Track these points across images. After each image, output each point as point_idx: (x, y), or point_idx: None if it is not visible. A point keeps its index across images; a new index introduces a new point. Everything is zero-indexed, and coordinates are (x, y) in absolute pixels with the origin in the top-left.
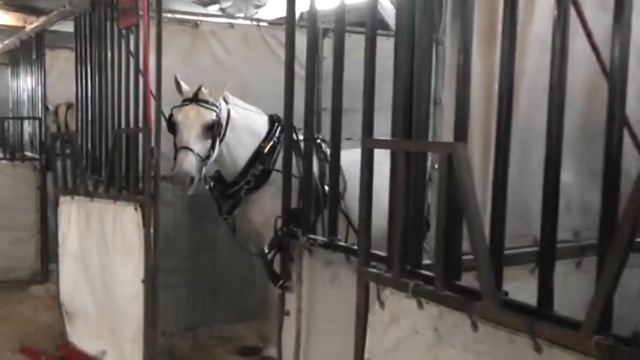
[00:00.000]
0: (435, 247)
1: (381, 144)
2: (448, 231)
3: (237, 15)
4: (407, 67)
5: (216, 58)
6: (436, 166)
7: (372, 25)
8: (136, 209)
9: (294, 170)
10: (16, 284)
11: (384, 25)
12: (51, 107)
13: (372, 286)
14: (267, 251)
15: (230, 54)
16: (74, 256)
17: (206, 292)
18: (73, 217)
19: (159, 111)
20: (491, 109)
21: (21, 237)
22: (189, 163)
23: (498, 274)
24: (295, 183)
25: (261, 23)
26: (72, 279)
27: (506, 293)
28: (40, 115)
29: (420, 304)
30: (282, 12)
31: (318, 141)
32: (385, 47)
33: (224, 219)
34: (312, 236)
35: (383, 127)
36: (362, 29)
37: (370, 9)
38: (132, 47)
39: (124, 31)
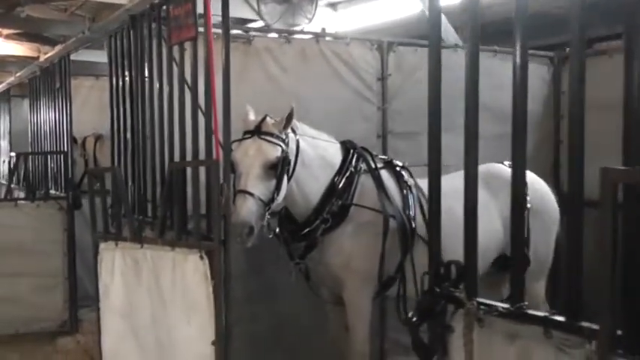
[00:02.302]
0: None
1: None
2: None
3: (295, 28)
4: None
5: (271, 77)
6: None
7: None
8: (201, 257)
9: (378, 205)
10: (42, 336)
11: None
12: (78, 140)
13: None
14: (413, 318)
15: (286, 72)
16: (119, 313)
17: (267, 343)
18: (118, 266)
19: (228, 141)
20: None
21: (46, 283)
22: (247, 210)
23: None
24: (386, 222)
25: (320, 38)
26: (117, 338)
27: None
28: (65, 149)
29: None
30: (340, 25)
31: (397, 169)
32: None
33: (296, 264)
34: (483, 301)
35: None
36: (426, 42)
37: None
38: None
39: (175, 48)
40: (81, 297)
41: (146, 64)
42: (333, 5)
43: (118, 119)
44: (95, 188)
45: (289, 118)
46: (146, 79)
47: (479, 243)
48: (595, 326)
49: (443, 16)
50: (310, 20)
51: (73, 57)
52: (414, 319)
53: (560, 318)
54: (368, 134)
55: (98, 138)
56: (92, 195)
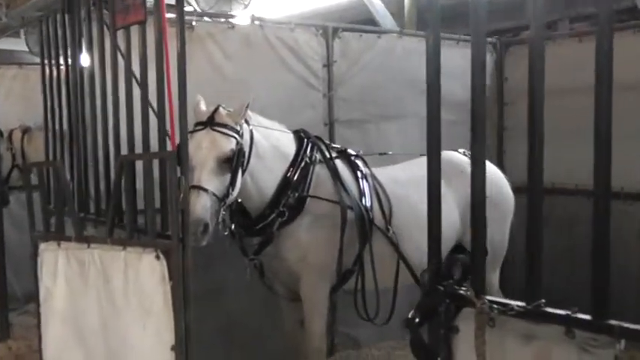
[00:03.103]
0: None
1: None
2: None
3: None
4: None
5: (214, 64)
6: None
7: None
8: (157, 257)
9: (335, 196)
10: None
11: (374, 23)
12: (4, 133)
13: None
14: (415, 319)
15: (230, 59)
16: (63, 318)
17: (217, 343)
18: (61, 268)
19: (185, 131)
20: None
21: None
22: (201, 207)
23: None
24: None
25: (264, 24)
26: (61, 345)
27: None
28: None
29: None
30: (285, 10)
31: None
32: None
33: (250, 260)
34: (495, 299)
35: (406, 136)
36: (376, 28)
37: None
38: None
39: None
40: (9, 299)
41: (85, 51)
42: None
43: (52, 110)
44: (33, 184)
45: (243, 108)
46: (85, 68)
47: None
48: (628, 324)
49: (380, 1)
50: (246, 6)
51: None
52: (416, 319)
53: (585, 316)
54: (314, 122)
55: (26, 131)
56: (29, 191)
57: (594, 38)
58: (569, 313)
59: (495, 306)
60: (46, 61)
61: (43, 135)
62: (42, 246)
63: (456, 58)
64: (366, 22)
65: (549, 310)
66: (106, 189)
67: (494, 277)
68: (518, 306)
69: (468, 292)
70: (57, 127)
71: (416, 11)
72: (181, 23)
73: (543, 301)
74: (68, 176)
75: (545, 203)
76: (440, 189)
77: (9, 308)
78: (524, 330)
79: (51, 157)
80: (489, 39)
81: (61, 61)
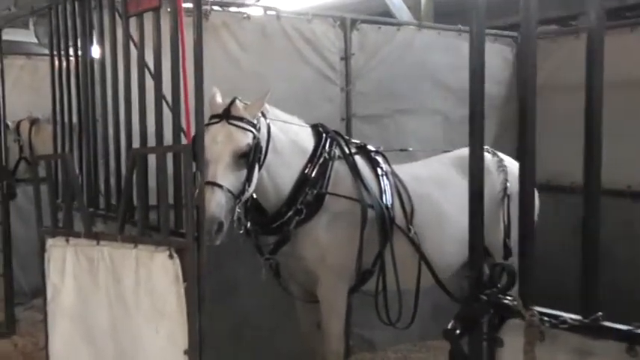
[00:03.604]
0: None
1: None
2: None
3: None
4: None
5: (229, 55)
6: None
7: None
8: (171, 256)
9: (354, 193)
10: None
11: (390, 16)
12: (11, 124)
13: None
14: (455, 330)
15: (245, 50)
16: (71, 316)
17: (228, 343)
18: (69, 265)
19: (201, 124)
20: None
21: None
22: (216, 204)
23: None
24: (364, 212)
25: (281, 14)
26: (68, 343)
27: None
28: None
29: None
30: (297, 2)
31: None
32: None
33: (266, 259)
34: (545, 310)
35: (425, 132)
36: (395, 20)
37: None
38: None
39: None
40: (15, 294)
41: (96, 40)
42: None
43: (61, 101)
44: (41, 177)
45: (261, 101)
46: (97, 57)
47: (460, 232)
48: None
49: None
50: None
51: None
52: (456, 330)
53: None
54: (331, 117)
55: (34, 122)
56: (37, 185)
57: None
58: (631, 328)
59: (546, 318)
60: (54, 51)
61: (51, 127)
62: (49, 242)
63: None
64: (382, 16)
65: (608, 324)
66: (117, 184)
67: None
68: (572, 319)
69: (515, 302)
70: (66, 118)
71: (433, 4)
72: (198, 10)
73: (601, 314)
74: (77, 170)
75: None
76: (483, 192)
77: (15, 303)
78: (578, 345)
79: (59, 150)
80: (510, 32)
81: (71, 50)
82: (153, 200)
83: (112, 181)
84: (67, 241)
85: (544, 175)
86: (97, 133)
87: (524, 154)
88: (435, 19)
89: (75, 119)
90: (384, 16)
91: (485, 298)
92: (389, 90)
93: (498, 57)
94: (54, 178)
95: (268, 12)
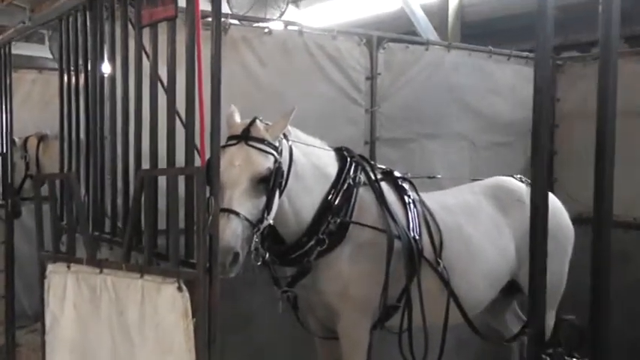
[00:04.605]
0: None
1: None
2: None
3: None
4: None
5: (248, 71)
6: None
7: None
8: (180, 289)
9: (380, 223)
10: None
11: (415, 36)
12: (18, 140)
13: None
14: None
15: (265, 66)
16: (70, 348)
17: None
18: (70, 294)
19: (217, 146)
20: None
21: None
22: (232, 233)
23: None
24: (390, 243)
25: (304, 30)
26: None
27: None
28: (4, 150)
29: None
30: (321, 20)
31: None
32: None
33: (283, 292)
34: None
35: (451, 158)
36: (423, 39)
37: None
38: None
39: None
40: (17, 316)
41: (106, 52)
42: (295, 1)
43: (69, 117)
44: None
45: (284, 121)
46: (107, 69)
47: (491, 266)
48: None
49: (423, 13)
50: (282, 13)
51: (13, 51)
52: None
53: None
54: (354, 139)
55: (42, 138)
56: (39, 205)
57: None
58: None
59: None
60: (64, 64)
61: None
62: (50, 267)
63: (507, 75)
64: (407, 35)
65: None
66: (124, 206)
67: (548, 318)
68: None
69: None
70: (73, 135)
71: (460, 25)
72: (217, 20)
73: None
74: (83, 190)
75: None
76: (547, 231)
77: (17, 326)
78: None
79: (66, 168)
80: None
81: (80, 62)
82: (162, 224)
83: (119, 203)
84: (69, 267)
85: (577, 208)
86: (105, 151)
87: (602, 187)
88: (462, 40)
89: (82, 136)
90: (410, 36)
91: (547, 358)
92: (415, 112)
93: (528, 81)
94: (58, 198)
95: (290, 27)
